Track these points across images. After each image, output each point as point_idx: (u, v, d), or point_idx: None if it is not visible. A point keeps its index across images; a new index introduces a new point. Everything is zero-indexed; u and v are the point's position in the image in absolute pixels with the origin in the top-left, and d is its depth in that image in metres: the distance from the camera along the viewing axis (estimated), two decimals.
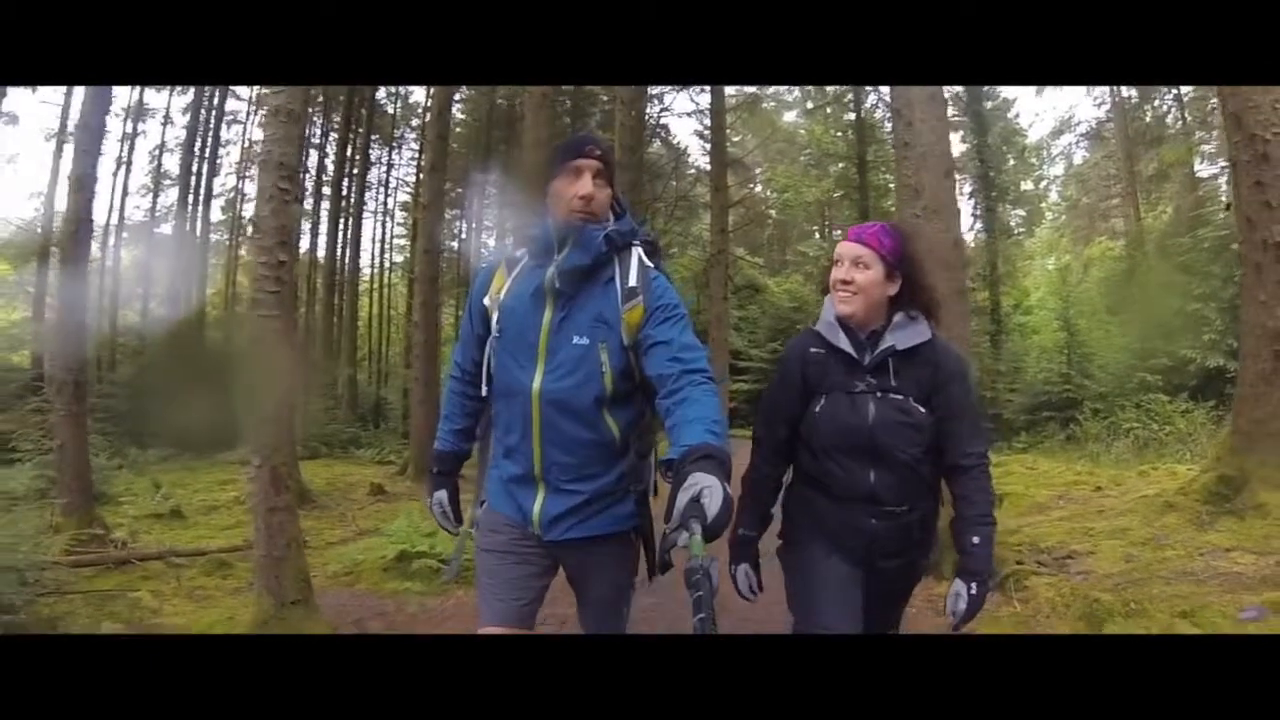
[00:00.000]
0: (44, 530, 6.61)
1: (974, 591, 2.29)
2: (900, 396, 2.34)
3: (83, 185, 8.73)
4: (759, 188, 30.04)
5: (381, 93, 25.40)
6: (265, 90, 5.17)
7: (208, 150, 23.54)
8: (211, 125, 23.68)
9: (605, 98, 23.70)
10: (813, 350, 2.45)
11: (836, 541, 2.40)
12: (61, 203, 19.38)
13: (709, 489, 1.66)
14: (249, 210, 25.54)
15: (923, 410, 2.34)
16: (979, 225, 23.31)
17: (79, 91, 18.68)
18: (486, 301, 2.34)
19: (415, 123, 27.20)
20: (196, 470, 14.74)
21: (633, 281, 2.21)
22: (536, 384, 2.18)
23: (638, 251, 2.28)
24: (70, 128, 19.91)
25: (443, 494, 2.54)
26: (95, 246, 18.80)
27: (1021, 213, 26.64)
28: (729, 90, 22.28)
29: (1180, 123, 21.08)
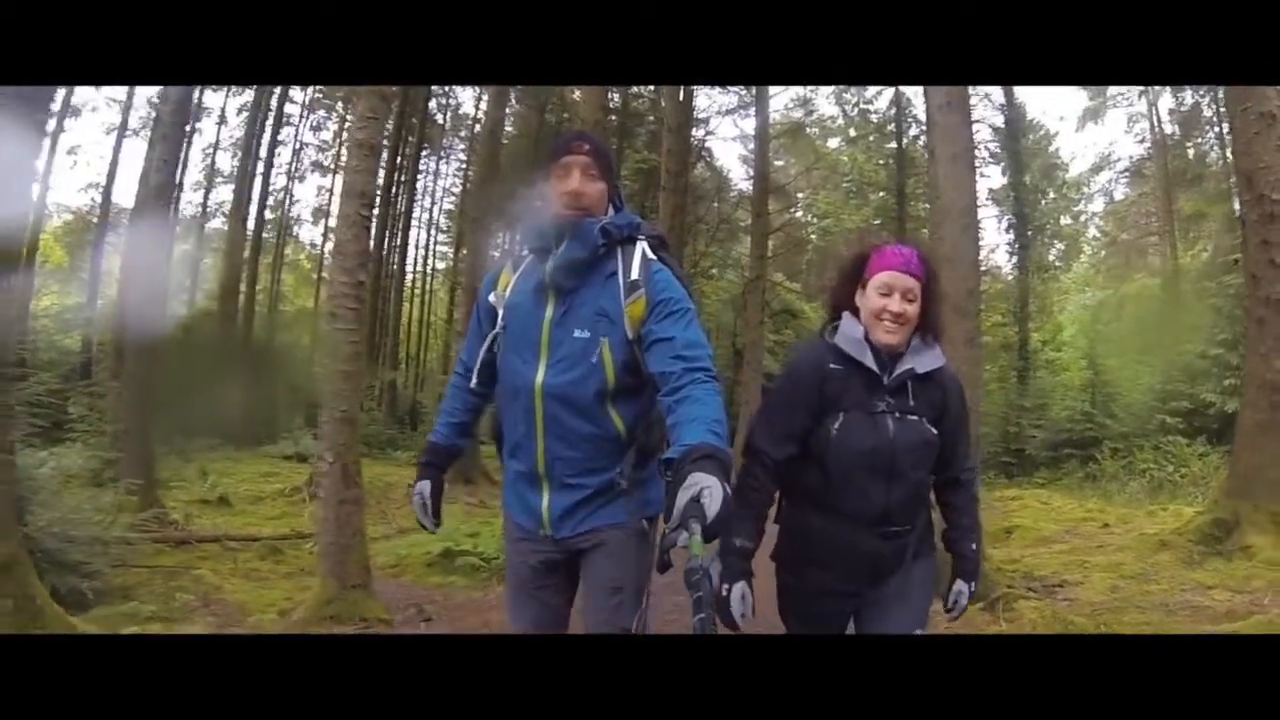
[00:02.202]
0: (112, 509, 7.13)
1: (973, 588, 2.49)
2: (916, 417, 2.35)
3: (162, 193, 9.40)
4: (800, 213, 30.31)
5: (432, 103, 25.96)
6: (354, 126, 5.71)
7: (262, 151, 24.10)
8: (269, 127, 24.26)
9: (651, 118, 24.17)
10: (832, 366, 2.37)
11: (838, 568, 2.40)
12: (118, 195, 20.21)
13: (709, 489, 1.68)
14: (295, 210, 26.32)
15: (934, 431, 2.37)
16: (1014, 261, 23.44)
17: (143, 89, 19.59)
18: (492, 299, 2.38)
19: (463, 133, 27.76)
20: (240, 461, 15.32)
21: (635, 275, 2.21)
22: (539, 378, 2.20)
23: (642, 245, 2.28)
24: (131, 124, 20.80)
25: (426, 485, 2.47)
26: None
27: (1060, 246, 26.64)
28: (773, 117, 22.74)
29: (1222, 162, 20.94)
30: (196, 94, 22.47)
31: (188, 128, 21.29)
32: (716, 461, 1.77)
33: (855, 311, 2.42)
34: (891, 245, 2.44)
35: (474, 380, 2.47)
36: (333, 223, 25.05)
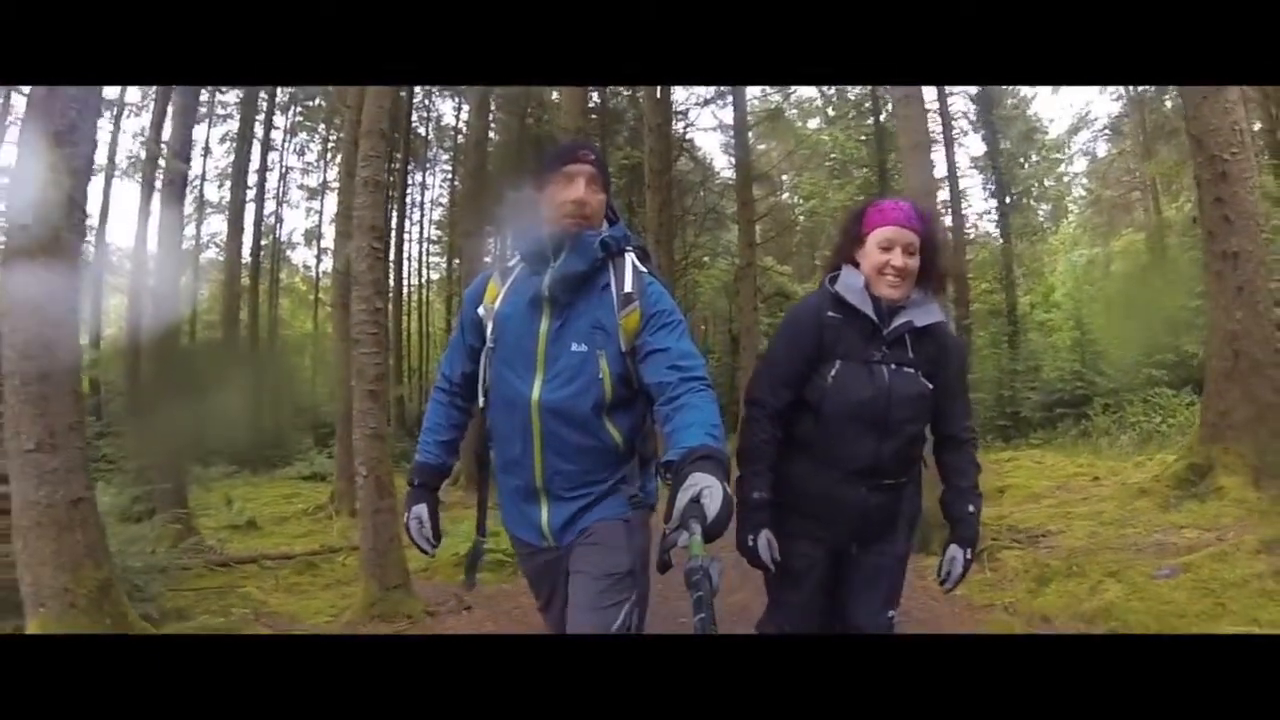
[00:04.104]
0: (153, 539, 7.54)
1: (968, 556, 2.45)
2: (912, 370, 2.37)
3: (170, 231, 9.84)
4: (785, 195, 30.55)
5: (414, 116, 26.23)
6: (358, 164, 6.12)
7: (251, 179, 24.35)
8: (256, 156, 24.53)
9: (631, 115, 24.43)
10: (830, 314, 2.39)
11: (825, 519, 2.42)
12: (111, 234, 20.46)
13: (709, 489, 1.67)
14: (286, 235, 26.61)
15: (929, 385, 2.39)
16: (997, 229, 23.75)
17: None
18: (480, 312, 2.32)
19: (446, 144, 28.04)
20: (259, 486, 15.75)
21: (628, 287, 2.19)
22: (536, 393, 2.17)
23: (631, 257, 2.26)
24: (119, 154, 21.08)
25: (422, 509, 2.41)
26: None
27: (1046, 208, 26.89)
28: (751, 103, 22.99)
29: None
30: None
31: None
32: (715, 462, 1.78)
33: (856, 265, 2.47)
34: (889, 200, 2.48)
35: (459, 396, 2.47)
36: (325, 244, 25.60)
